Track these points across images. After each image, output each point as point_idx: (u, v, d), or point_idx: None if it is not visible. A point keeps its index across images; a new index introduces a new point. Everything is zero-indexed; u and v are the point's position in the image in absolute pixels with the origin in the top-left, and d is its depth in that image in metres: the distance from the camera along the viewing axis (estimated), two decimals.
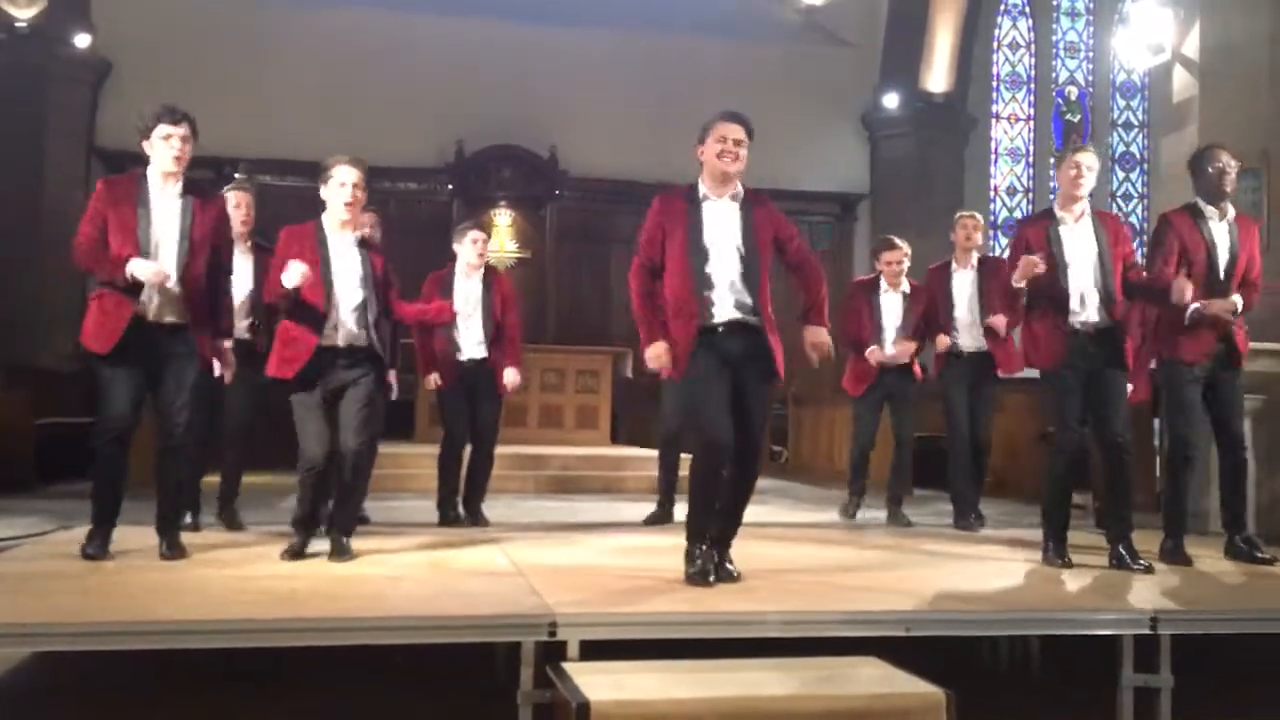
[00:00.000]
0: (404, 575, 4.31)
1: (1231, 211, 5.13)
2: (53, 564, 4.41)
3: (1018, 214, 15.22)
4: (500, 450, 6.42)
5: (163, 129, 4.44)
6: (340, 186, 4.61)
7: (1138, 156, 16.25)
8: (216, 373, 4.87)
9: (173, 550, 4.51)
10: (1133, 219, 16.19)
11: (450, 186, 13.32)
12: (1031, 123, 15.89)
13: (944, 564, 4.96)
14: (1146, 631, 3.78)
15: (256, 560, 4.60)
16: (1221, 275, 5.03)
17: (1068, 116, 16.09)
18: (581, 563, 4.58)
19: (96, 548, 4.45)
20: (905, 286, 6.72)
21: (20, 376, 9.41)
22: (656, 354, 4.23)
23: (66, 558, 4.52)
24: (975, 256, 6.53)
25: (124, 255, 4.33)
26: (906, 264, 6.73)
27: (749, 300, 4.20)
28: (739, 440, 4.15)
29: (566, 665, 3.38)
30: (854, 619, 3.76)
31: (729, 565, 4.28)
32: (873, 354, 6.62)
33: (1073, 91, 16.15)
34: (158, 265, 4.36)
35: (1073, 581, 4.54)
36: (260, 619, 3.45)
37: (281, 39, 12.80)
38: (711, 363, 4.16)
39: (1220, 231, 5.07)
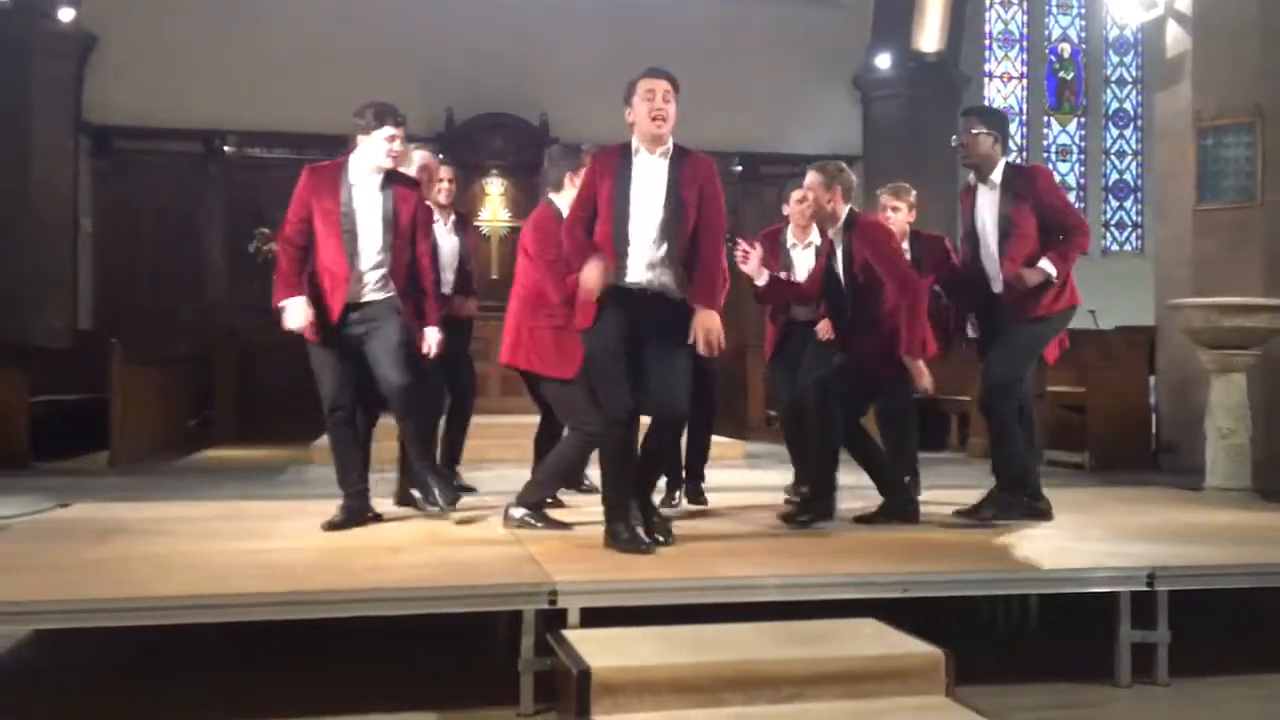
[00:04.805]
0: (402, 547, 4.30)
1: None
2: (49, 541, 4.40)
3: None
4: (495, 420, 6.38)
5: (388, 130, 4.59)
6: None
7: (1131, 113, 16.19)
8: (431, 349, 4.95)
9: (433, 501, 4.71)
10: (1127, 176, 16.15)
11: (440, 155, 13.22)
12: (1024, 80, 15.81)
13: (940, 525, 4.95)
14: (1144, 588, 3.80)
15: (256, 534, 4.59)
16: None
17: (1060, 74, 16.02)
18: (579, 531, 4.58)
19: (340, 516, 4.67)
20: (815, 237, 5.75)
21: (13, 354, 9.39)
22: (592, 273, 4.03)
23: (63, 535, 4.52)
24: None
25: (326, 245, 4.55)
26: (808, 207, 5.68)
27: (670, 262, 4.13)
28: (658, 411, 4.17)
29: (567, 633, 3.39)
30: (851, 581, 3.77)
31: (661, 517, 4.33)
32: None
33: (1065, 48, 16.07)
34: (306, 316, 4.54)
35: (1070, 539, 4.54)
36: (259, 593, 3.45)
37: (267, 9, 12.66)
38: (616, 331, 4.10)
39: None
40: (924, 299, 4.88)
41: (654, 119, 4.13)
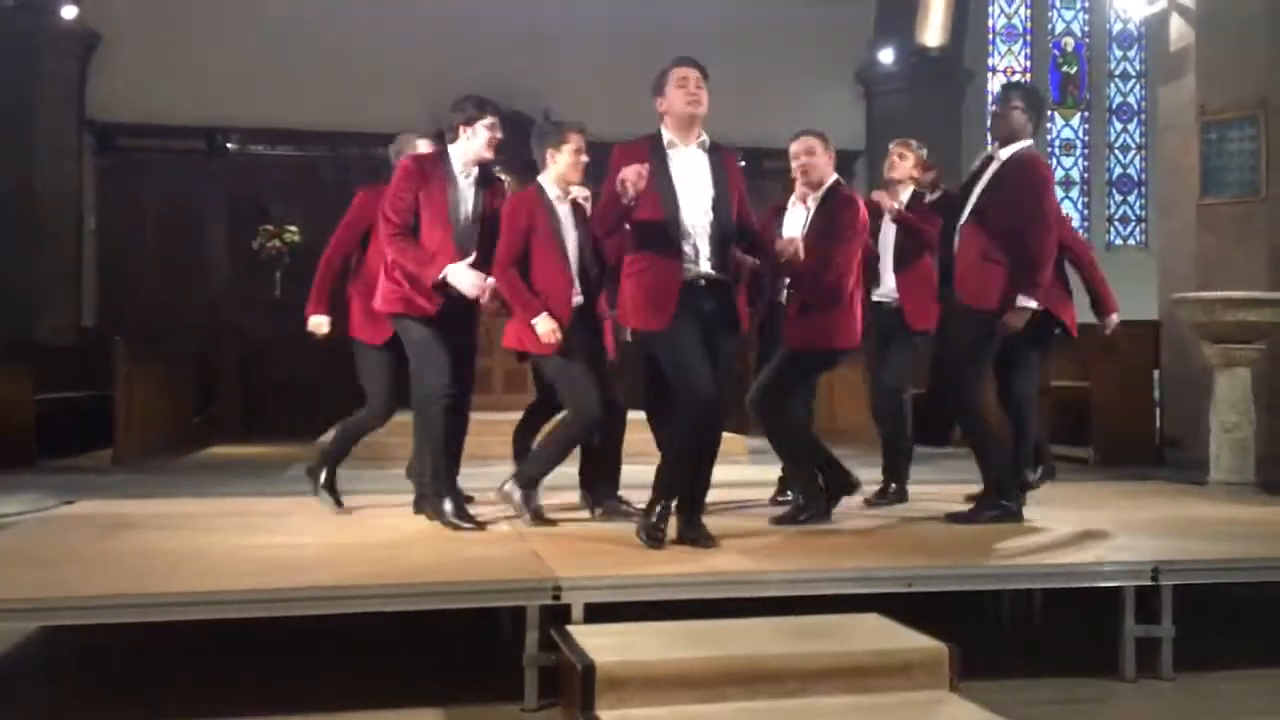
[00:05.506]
0: (407, 542, 4.31)
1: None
2: (55, 538, 4.42)
3: None
4: (498, 416, 6.36)
5: (489, 119, 4.60)
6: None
7: (1135, 107, 16.16)
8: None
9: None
10: (1130, 171, 16.12)
11: None
12: (1028, 75, 15.77)
13: (942, 520, 4.95)
14: (1148, 583, 3.80)
15: (261, 530, 4.60)
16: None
17: (1064, 68, 15.99)
18: (584, 527, 4.59)
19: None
20: (813, 199, 5.07)
21: (18, 352, 9.39)
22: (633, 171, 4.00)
23: (68, 532, 4.54)
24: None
25: (431, 235, 4.49)
26: (807, 160, 5.09)
27: (723, 252, 4.17)
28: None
29: (571, 628, 3.39)
30: (855, 576, 3.78)
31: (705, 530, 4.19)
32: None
33: (1069, 42, 16.04)
34: (477, 278, 4.48)
35: (1074, 534, 4.54)
36: (264, 589, 3.46)
37: (269, 6, 12.65)
38: (691, 322, 4.11)
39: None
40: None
41: (689, 103, 4.18)
